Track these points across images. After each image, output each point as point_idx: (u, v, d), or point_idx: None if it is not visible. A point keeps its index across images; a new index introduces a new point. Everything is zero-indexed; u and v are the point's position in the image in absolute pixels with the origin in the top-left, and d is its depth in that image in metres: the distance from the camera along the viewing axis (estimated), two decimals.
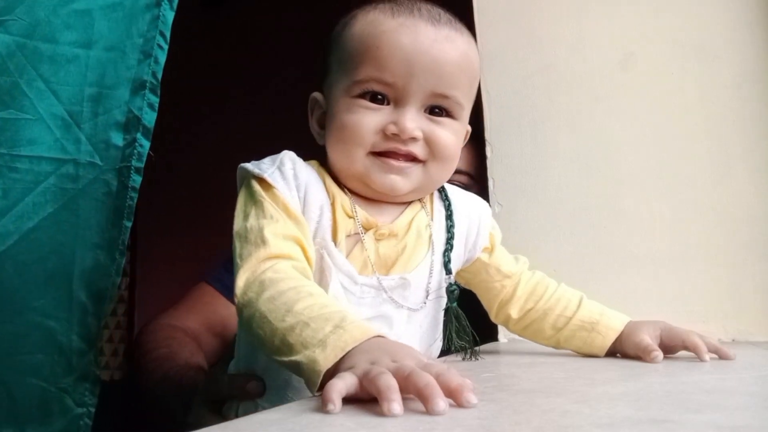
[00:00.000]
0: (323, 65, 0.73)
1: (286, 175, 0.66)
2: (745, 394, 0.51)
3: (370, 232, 0.68)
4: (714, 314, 0.95)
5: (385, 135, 0.65)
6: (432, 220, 0.72)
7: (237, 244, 0.63)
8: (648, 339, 0.71)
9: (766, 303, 0.94)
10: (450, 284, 0.70)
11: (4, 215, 0.82)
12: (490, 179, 1.10)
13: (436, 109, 0.67)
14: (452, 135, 0.68)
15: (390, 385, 0.43)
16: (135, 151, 0.89)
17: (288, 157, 0.69)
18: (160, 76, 0.90)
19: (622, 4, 1.06)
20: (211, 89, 2.51)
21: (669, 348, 0.72)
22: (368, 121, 0.65)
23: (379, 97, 0.66)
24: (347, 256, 0.67)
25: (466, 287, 0.79)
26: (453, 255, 0.72)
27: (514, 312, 0.78)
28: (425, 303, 0.70)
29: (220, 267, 1.16)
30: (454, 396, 0.44)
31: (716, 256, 0.96)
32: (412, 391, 0.44)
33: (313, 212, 0.66)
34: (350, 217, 0.68)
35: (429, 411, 0.42)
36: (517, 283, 0.78)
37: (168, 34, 0.91)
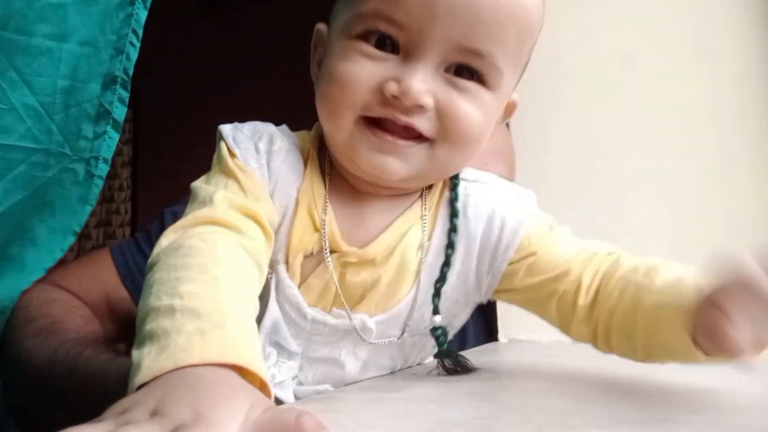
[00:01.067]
0: None
1: (261, 156, 0.54)
2: (746, 394, 0.51)
3: (335, 256, 0.54)
4: None
5: (382, 95, 0.49)
6: (429, 238, 0.55)
7: (191, 199, 0.52)
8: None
9: None
10: (435, 328, 0.55)
11: None
12: None
13: (464, 70, 0.50)
14: (478, 109, 0.50)
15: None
16: (104, 143, 0.92)
17: (269, 135, 0.56)
18: (131, 72, 0.93)
19: (622, 5, 1.06)
20: (211, 89, 2.51)
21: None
22: (363, 73, 0.49)
23: (387, 41, 0.49)
24: (304, 280, 0.55)
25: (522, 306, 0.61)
26: (451, 284, 0.56)
27: (587, 328, 0.55)
28: (397, 338, 0.57)
29: (130, 240, 0.94)
30: None
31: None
32: None
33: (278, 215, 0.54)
34: (316, 231, 0.54)
35: None
36: (578, 286, 0.55)
37: (140, 33, 0.94)
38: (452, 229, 0.55)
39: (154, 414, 0.31)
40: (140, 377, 0.35)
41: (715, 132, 0.99)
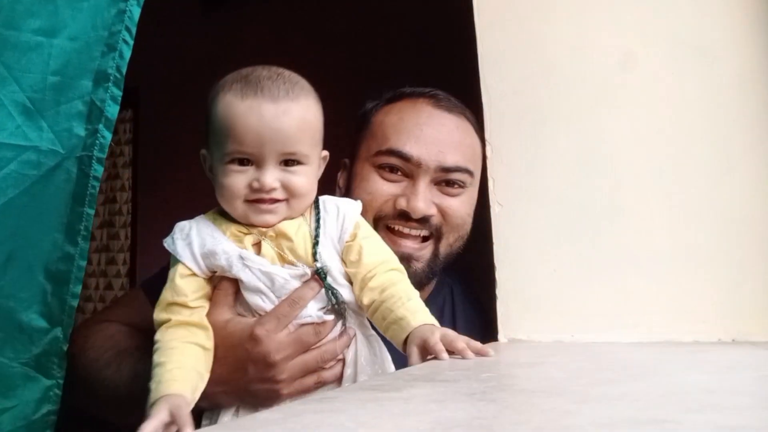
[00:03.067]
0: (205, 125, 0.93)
1: (186, 240, 0.90)
2: (745, 394, 0.51)
3: (266, 237, 0.89)
4: (714, 314, 0.95)
5: (252, 188, 0.86)
6: (308, 226, 0.91)
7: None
8: (415, 353, 0.78)
9: (766, 303, 0.94)
10: (318, 268, 0.88)
11: None
12: (490, 179, 1.09)
13: (289, 161, 0.87)
14: (304, 177, 0.88)
15: None
16: (97, 141, 0.92)
17: (179, 227, 0.92)
18: (124, 70, 0.93)
19: (622, 4, 1.06)
20: (209, 90, 2.52)
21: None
22: (239, 181, 0.87)
23: (243, 161, 0.87)
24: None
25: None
26: (325, 247, 0.90)
27: (366, 300, 0.88)
28: (323, 279, 0.89)
29: (157, 275, 1.10)
30: None
31: (716, 256, 0.96)
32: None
33: (215, 246, 0.88)
34: (247, 234, 0.89)
35: None
36: (372, 276, 0.88)
37: (134, 30, 0.93)
38: (317, 220, 0.92)
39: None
40: (151, 400, 0.78)
41: (715, 132, 0.99)
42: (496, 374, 0.65)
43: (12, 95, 0.86)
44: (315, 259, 0.89)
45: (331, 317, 0.90)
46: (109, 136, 0.93)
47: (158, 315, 0.88)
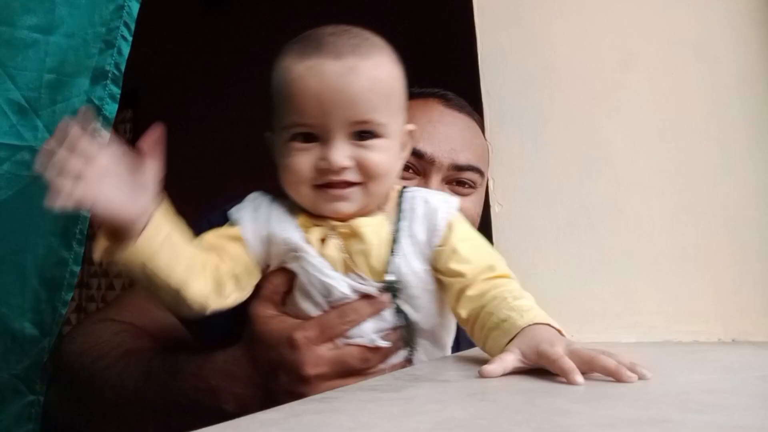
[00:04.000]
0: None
1: (247, 211, 0.79)
2: (745, 394, 0.51)
3: (335, 232, 0.76)
4: (714, 314, 0.95)
5: (319, 170, 0.73)
6: (388, 224, 0.77)
7: None
8: (506, 355, 0.62)
9: (766, 303, 0.94)
10: (389, 281, 0.75)
11: None
12: (490, 179, 1.10)
13: (363, 134, 0.73)
14: (382, 154, 0.74)
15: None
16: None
17: (253, 196, 0.81)
18: (123, 67, 0.89)
19: (622, 4, 1.06)
20: (211, 88, 2.51)
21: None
22: (303, 161, 0.73)
23: (308, 136, 0.73)
24: (322, 255, 0.75)
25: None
26: (406, 254, 0.76)
27: (464, 312, 0.73)
28: (401, 295, 0.76)
29: None
30: None
31: (716, 256, 0.96)
32: None
33: (278, 230, 0.76)
34: (315, 225, 0.76)
35: None
36: (470, 284, 0.74)
37: (133, 26, 0.90)
38: (400, 219, 0.78)
39: None
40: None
41: (716, 132, 0.99)
42: None
43: (6, 93, 0.83)
44: (388, 270, 0.75)
45: (386, 344, 0.75)
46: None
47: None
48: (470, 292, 0.73)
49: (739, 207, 0.96)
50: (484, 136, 1.13)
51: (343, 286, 0.74)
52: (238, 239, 0.77)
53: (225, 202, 0.98)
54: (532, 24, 1.11)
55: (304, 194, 0.75)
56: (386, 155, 0.75)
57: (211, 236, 0.77)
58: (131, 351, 0.91)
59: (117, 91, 0.90)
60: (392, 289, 0.75)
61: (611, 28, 1.06)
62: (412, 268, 0.76)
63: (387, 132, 0.74)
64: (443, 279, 0.76)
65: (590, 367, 0.57)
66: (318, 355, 0.73)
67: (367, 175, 0.73)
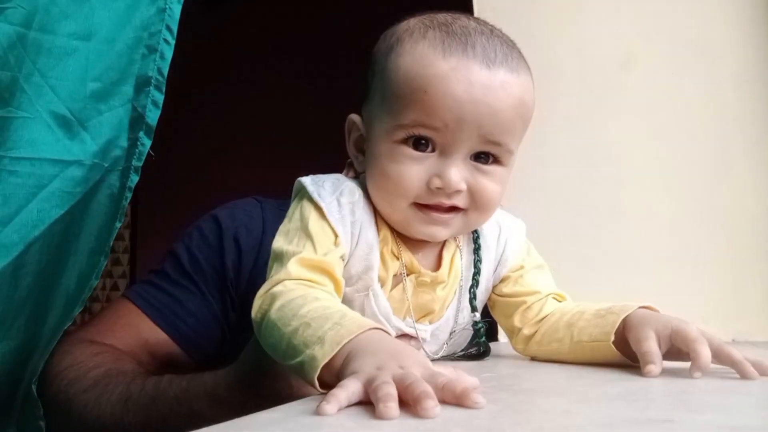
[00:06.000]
0: (364, 84, 0.70)
1: (343, 208, 0.65)
2: (745, 394, 0.51)
3: (412, 277, 0.67)
4: (714, 314, 0.95)
5: (429, 188, 0.63)
6: (461, 257, 0.71)
7: (273, 264, 0.63)
8: (652, 342, 0.59)
9: (766, 303, 0.94)
10: (475, 322, 0.70)
11: (6, 224, 0.76)
12: None
13: (483, 156, 0.64)
14: (498, 184, 0.65)
15: (389, 393, 0.43)
16: (137, 150, 0.83)
17: (349, 189, 0.67)
18: (166, 72, 0.85)
19: (622, 4, 1.06)
20: (211, 88, 2.51)
21: (675, 354, 0.60)
22: (413, 173, 0.62)
23: (423, 141, 0.62)
24: (387, 297, 0.67)
25: (491, 309, 0.77)
26: (480, 288, 0.70)
27: (527, 330, 0.71)
28: (447, 344, 0.71)
29: (145, 283, 0.95)
30: (460, 401, 0.43)
31: (716, 256, 0.96)
32: (409, 400, 0.43)
33: (362, 251, 0.65)
34: (396, 259, 0.67)
35: (419, 414, 0.41)
36: (543, 304, 0.72)
37: (175, 29, 0.85)
38: (477, 249, 0.71)
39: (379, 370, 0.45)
40: (319, 362, 0.49)
41: (715, 132, 0.99)
42: (496, 374, 0.65)
43: (49, 105, 0.77)
44: (473, 308, 0.69)
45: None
46: (148, 143, 0.84)
47: (293, 268, 0.60)
48: (531, 313, 0.71)
49: (739, 207, 0.96)
50: None
51: (394, 331, 0.67)
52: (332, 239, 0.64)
53: (218, 204, 0.97)
54: (532, 24, 1.11)
55: (399, 209, 0.65)
56: (501, 187, 0.66)
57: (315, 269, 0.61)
58: (111, 373, 0.82)
59: (160, 97, 0.85)
60: (479, 329, 0.70)
61: (611, 28, 1.06)
62: (482, 302, 0.72)
63: (509, 161, 0.66)
64: (506, 300, 0.73)
65: (716, 355, 0.56)
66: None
67: (476, 204, 0.64)
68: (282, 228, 0.65)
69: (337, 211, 0.64)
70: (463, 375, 0.47)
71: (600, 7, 1.07)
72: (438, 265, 0.69)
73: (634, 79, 1.04)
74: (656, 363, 0.57)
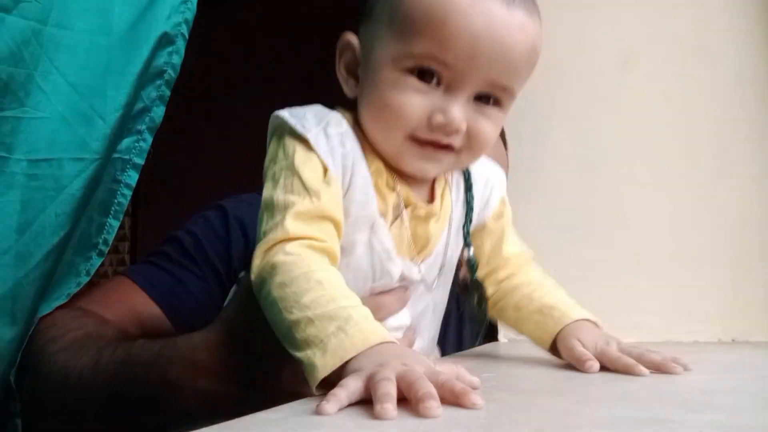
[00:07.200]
0: (366, 3, 0.66)
1: (332, 140, 0.61)
2: (745, 394, 0.51)
3: (409, 209, 0.65)
4: (714, 314, 0.95)
5: (429, 123, 0.60)
6: (451, 192, 0.70)
7: (263, 214, 0.59)
8: (580, 347, 0.63)
9: (766, 303, 0.94)
10: (469, 258, 0.69)
11: (24, 232, 0.72)
12: None
13: (485, 97, 0.62)
14: (495, 127, 0.63)
15: (388, 392, 0.43)
16: (138, 146, 0.79)
17: (335, 119, 0.63)
18: (178, 68, 0.81)
19: (622, 4, 1.06)
20: (211, 87, 2.51)
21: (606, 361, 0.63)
22: (415, 104, 0.59)
23: (430, 74, 0.59)
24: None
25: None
26: (471, 227, 0.71)
27: (491, 288, 0.73)
28: (437, 278, 0.69)
29: (143, 263, 0.93)
30: (458, 400, 0.43)
31: (716, 256, 0.96)
32: (411, 398, 0.43)
33: (357, 184, 0.62)
34: (392, 191, 0.64)
35: (420, 413, 0.42)
36: (503, 263, 0.74)
37: (191, 23, 0.81)
38: (469, 187, 0.71)
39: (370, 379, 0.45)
40: (319, 373, 0.48)
41: (715, 132, 0.99)
42: (496, 374, 0.65)
43: (69, 103, 0.74)
44: (468, 244, 0.70)
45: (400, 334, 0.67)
46: (149, 140, 0.80)
47: (291, 225, 0.56)
48: (501, 274, 0.73)
49: (739, 207, 0.96)
50: (504, 142, 1.10)
51: (398, 272, 0.65)
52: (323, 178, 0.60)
53: (219, 198, 0.97)
54: None
55: (394, 141, 0.62)
56: (497, 130, 0.64)
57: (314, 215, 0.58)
58: (90, 335, 0.76)
59: (167, 93, 0.81)
60: (473, 265, 0.69)
61: (611, 28, 1.06)
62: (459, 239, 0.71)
63: (509, 105, 0.64)
64: (477, 251, 0.73)
65: (639, 362, 0.59)
66: None
67: (470, 145, 0.62)
68: (267, 172, 0.61)
69: (325, 143, 0.60)
70: (465, 374, 0.47)
71: (600, 7, 1.07)
72: (431, 198, 0.68)
73: (634, 79, 1.03)
74: (593, 359, 0.61)
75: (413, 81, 0.60)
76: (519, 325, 0.72)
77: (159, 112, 0.80)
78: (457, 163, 0.65)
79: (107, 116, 0.76)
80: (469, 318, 0.72)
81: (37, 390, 0.76)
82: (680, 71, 1.01)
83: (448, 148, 0.62)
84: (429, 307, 0.71)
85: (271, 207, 0.58)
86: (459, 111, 0.60)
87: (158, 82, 0.80)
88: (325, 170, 0.59)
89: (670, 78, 1.02)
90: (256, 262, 0.57)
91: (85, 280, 0.79)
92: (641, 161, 1.02)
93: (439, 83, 0.60)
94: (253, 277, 0.57)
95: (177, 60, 0.80)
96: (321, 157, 0.59)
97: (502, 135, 1.08)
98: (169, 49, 0.80)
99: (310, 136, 0.59)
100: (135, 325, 0.84)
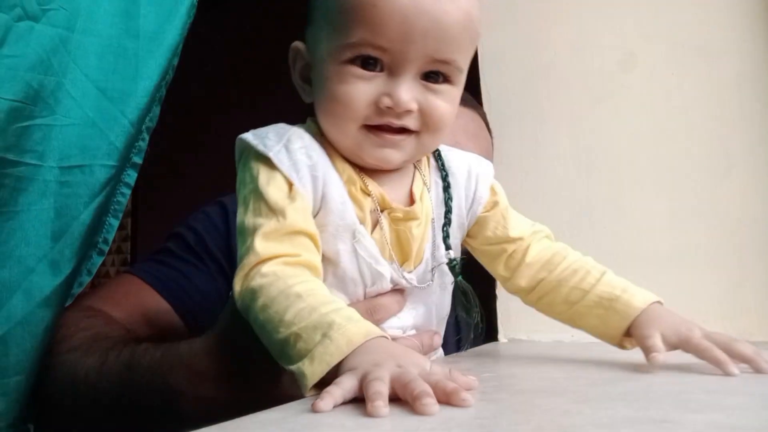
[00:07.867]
0: (307, 10, 0.67)
1: (294, 154, 0.61)
2: (745, 394, 0.51)
3: (386, 213, 0.64)
4: (714, 314, 0.95)
5: (378, 108, 0.60)
6: (429, 190, 0.68)
7: (239, 239, 0.60)
8: (657, 339, 0.61)
9: (766, 303, 0.94)
10: (450, 259, 0.66)
11: (59, 239, 0.72)
12: None
13: (433, 75, 0.61)
14: (449, 104, 0.63)
15: (379, 391, 0.43)
16: (138, 145, 0.79)
17: (296, 134, 0.63)
18: (174, 69, 0.82)
19: (622, 4, 1.06)
20: (209, 86, 2.52)
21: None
22: (360, 92, 0.60)
23: (371, 61, 0.60)
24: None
25: (474, 255, 0.75)
26: (453, 227, 0.68)
27: (524, 281, 0.69)
28: (431, 280, 0.68)
29: (147, 260, 0.94)
30: (449, 399, 0.44)
31: (716, 256, 0.96)
32: (408, 398, 0.43)
33: (331, 194, 0.61)
34: (367, 195, 0.63)
35: (418, 411, 0.42)
36: (526, 249, 0.70)
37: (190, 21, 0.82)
38: (447, 186, 0.69)
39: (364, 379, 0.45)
40: (309, 381, 0.49)
41: (716, 132, 0.99)
42: (496, 374, 0.65)
43: (100, 109, 0.73)
44: (447, 246, 0.67)
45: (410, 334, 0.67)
46: (147, 139, 0.80)
47: (260, 247, 0.57)
48: (529, 258, 0.69)
49: (739, 207, 0.96)
50: (489, 130, 1.12)
51: (389, 276, 0.64)
52: (290, 193, 0.60)
53: (217, 197, 0.97)
54: (532, 24, 1.11)
55: (349, 133, 0.61)
56: (452, 106, 0.63)
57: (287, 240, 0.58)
58: (98, 336, 0.77)
59: (164, 93, 0.81)
60: (455, 265, 0.66)
61: (611, 28, 1.06)
62: (456, 241, 0.69)
63: (459, 80, 0.63)
64: (486, 249, 0.71)
65: (728, 354, 0.58)
66: None
67: (427, 125, 0.62)
68: (239, 197, 0.62)
69: (287, 158, 0.60)
70: (458, 375, 0.48)
71: (600, 7, 1.07)
72: (411, 201, 0.67)
73: (634, 79, 1.04)
74: (661, 352, 0.59)
75: (356, 70, 0.60)
76: (575, 321, 0.69)
77: (156, 111, 0.80)
78: (420, 146, 0.64)
79: (136, 121, 0.76)
80: (463, 322, 0.69)
81: (47, 390, 0.76)
82: (680, 71, 1.01)
83: (404, 131, 0.62)
84: (431, 308, 0.70)
85: (243, 232, 0.59)
86: (405, 91, 0.59)
87: (164, 82, 0.81)
88: (290, 185, 0.60)
89: (669, 78, 1.02)
90: (237, 288, 0.57)
91: (87, 279, 0.79)
92: (641, 161, 1.02)
93: (381, 68, 0.60)
94: (237, 305, 0.57)
95: (175, 61, 0.81)
96: (284, 173, 0.60)
97: (487, 125, 1.09)
98: (177, 51, 0.81)
99: (272, 154, 0.60)
100: (143, 321, 0.84)
